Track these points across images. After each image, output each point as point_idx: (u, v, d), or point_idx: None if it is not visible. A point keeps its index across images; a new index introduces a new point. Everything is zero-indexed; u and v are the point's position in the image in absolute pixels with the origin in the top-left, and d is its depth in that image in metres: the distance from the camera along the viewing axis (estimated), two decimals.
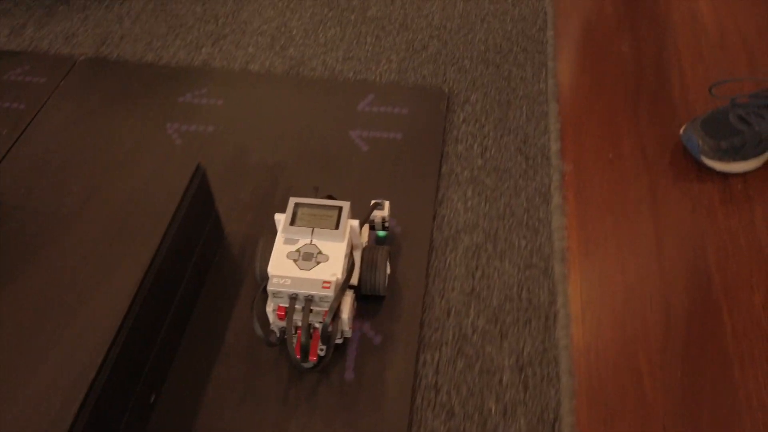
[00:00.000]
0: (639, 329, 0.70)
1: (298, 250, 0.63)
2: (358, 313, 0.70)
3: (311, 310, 0.61)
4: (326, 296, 0.60)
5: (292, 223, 0.64)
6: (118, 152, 0.87)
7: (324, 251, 0.63)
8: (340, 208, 0.65)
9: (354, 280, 0.67)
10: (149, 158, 0.86)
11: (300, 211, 0.65)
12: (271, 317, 0.64)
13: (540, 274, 0.75)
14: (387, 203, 0.73)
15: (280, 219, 0.66)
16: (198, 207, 0.70)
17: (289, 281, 0.60)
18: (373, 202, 0.73)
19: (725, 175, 0.85)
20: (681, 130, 0.87)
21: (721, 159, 0.83)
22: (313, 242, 0.63)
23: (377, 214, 0.72)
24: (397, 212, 0.80)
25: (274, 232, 0.66)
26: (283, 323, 0.62)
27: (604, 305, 0.73)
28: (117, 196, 0.81)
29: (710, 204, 0.82)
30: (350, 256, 0.65)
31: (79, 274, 0.65)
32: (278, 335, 0.64)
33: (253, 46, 1.05)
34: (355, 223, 0.66)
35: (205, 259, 0.74)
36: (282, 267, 0.61)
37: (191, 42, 1.06)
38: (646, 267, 0.76)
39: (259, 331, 0.61)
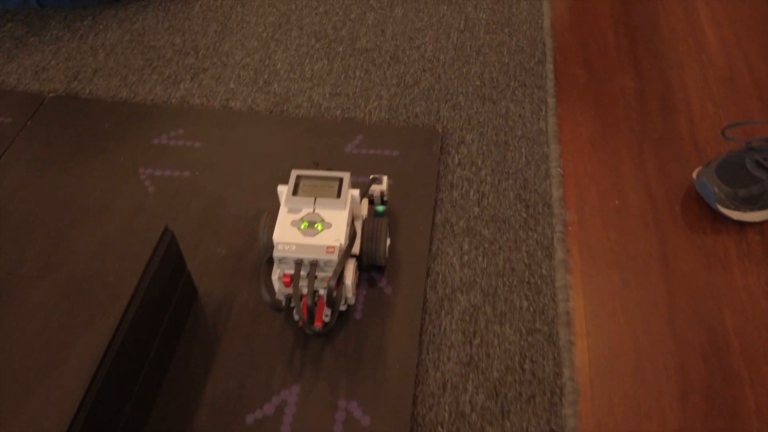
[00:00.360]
0: (653, 404, 0.64)
1: (301, 219, 0.65)
2: (345, 392, 0.63)
3: (316, 276, 0.63)
4: (330, 261, 0.62)
5: (295, 193, 0.66)
6: (85, 202, 0.80)
7: (327, 219, 0.65)
8: (341, 179, 0.67)
9: (355, 250, 0.68)
10: (118, 209, 0.79)
11: (302, 182, 0.67)
12: (277, 285, 0.65)
13: (544, 341, 0.68)
14: (385, 177, 0.74)
15: (283, 191, 0.67)
16: (166, 272, 0.64)
17: (294, 247, 0.62)
18: (371, 176, 0.74)
19: (741, 224, 0.79)
20: (694, 175, 0.81)
21: (738, 208, 0.77)
22: (315, 211, 0.65)
23: (376, 189, 0.74)
24: (388, 269, 0.74)
25: (276, 210, 0.67)
26: (288, 290, 0.64)
27: (615, 376, 0.66)
28: (81, 255, 0.74)
29: (726, 258, 0.76)
30: (352, 225, 0.67)
31: (36, 344, 0.59)
32: (284, 303, 0.65)
33: (234, 81, 0.99)
34: (356, 192, 0.68)
35: (175, 326, 0.68)
36: (287, 234, 0.63)
37: (169, 77, 1.00)
38: (659, 331, 0.70)
39: (266, 296, 0.62)
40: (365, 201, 0.73)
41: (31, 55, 1.03)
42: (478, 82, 0.99)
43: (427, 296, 0.72)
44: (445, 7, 1.12)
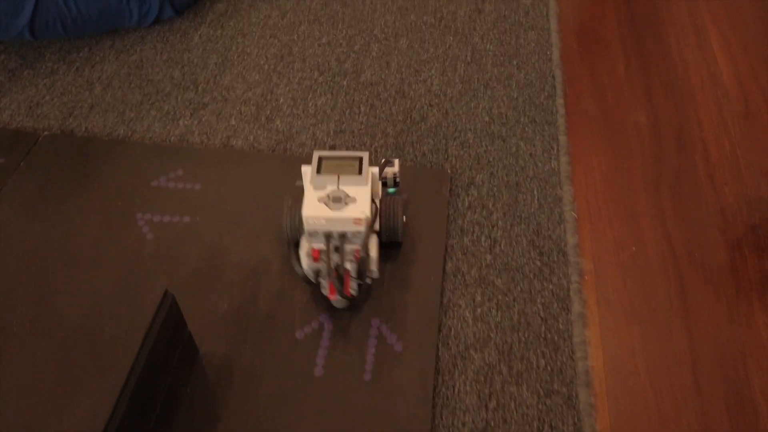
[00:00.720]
0: None
1: (327, 195, 0.67)
2: None
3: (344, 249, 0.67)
4: (358, 232, 0.66)
5: (319, 171, 0.69)
6: (81, 251, 0.77)
7: (351, 194, 0.67)
8: (360, 158, 0.71)
9: (375, 227, 0.72)
10: (116, 259, 0.76)
11: (324, 162, 0.70)
12: (306, 261, 0.68)
13: (563, 403, 0.65)
14: (397, 161, 0.76)
15: (307, 170, 0.71)
16: (166, 337, 0.60)
17: (323, 221, 0.65)
18: (384, 159, 0.76)
19: (763, 273, 0.76)
20: None
21: None
22: (340, 188, 0.68)
23: (388, 171, 0.76)
24: (399, 323, 0.71)
25: (296, 196, 0.71)
26: (317, 264, 0.68)
27: None
28: (76, 312, 0.71)
29: (749, 312, 0.73)
30: (373, 201, 0.70)
31: (30, 410, 0.56)
32: (313, 277, 0.69)
33: (235, 118, 0.96)
34: (376, 170, 0.72)
35: (176, 391, 0.64)
36: (315, 209, 0.66)
37: (168, 113, 0.96)
38: (682, 391, 0.66)
39: (299, 269, 0.68)
40: (378, 183, 0.76)
41: (25, 90, 1.00)
42: (487, 118, 0.96)
43: (440, 353, 0.69)
44: (451, 38, 1.09)
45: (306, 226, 0.66)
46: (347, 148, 0.91)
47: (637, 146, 0.92)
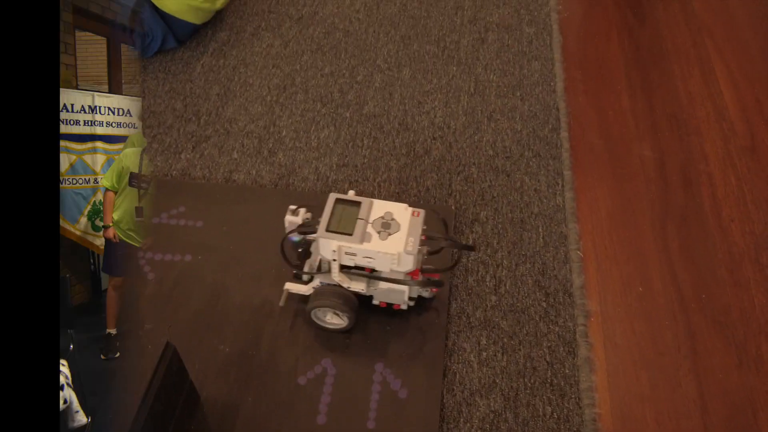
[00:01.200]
0: None
1: (380, 232, 0.66)
2: None
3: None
4: (421, 220, 0.67)
5: (351, 233, 0.66)
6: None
7: (381, 213, 0.67)
8: (337, 198, 0.69)
9: None
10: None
11: (335, 223, 0.67)
12: (413, 284, 0.69)
13: None
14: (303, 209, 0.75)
15: (332, 243, 0.66)
16: (168, 389, 0.59)
17: (413, 239, 0.65)
18: (295, 208, 0.75)
19: None
20: None
21: None
22: (370, 222, 0.66)
23: (289, 219, 0.75)
24: (401, 369, 0.70)
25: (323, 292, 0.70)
26: (418, 281, 0.69)
27: None
28: None
29: (758, 355, 0.72)
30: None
31: None
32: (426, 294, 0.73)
33: (238, 151, 0.95)
34: (352, 192, 0.72)
35: None
36: (406, 245, 0.65)
37: (170, 146, 0.96)
38: None
39: (427, 293, 0.73)
40: None
41: None
42: (491, 152, 0.95)
43: (444, 400, 0.68)
44: (455, 68, 1.09)
45: (412, 263, 0.65)
46: (350, 183, 0.91)
47: (643, 181, 0.91)
